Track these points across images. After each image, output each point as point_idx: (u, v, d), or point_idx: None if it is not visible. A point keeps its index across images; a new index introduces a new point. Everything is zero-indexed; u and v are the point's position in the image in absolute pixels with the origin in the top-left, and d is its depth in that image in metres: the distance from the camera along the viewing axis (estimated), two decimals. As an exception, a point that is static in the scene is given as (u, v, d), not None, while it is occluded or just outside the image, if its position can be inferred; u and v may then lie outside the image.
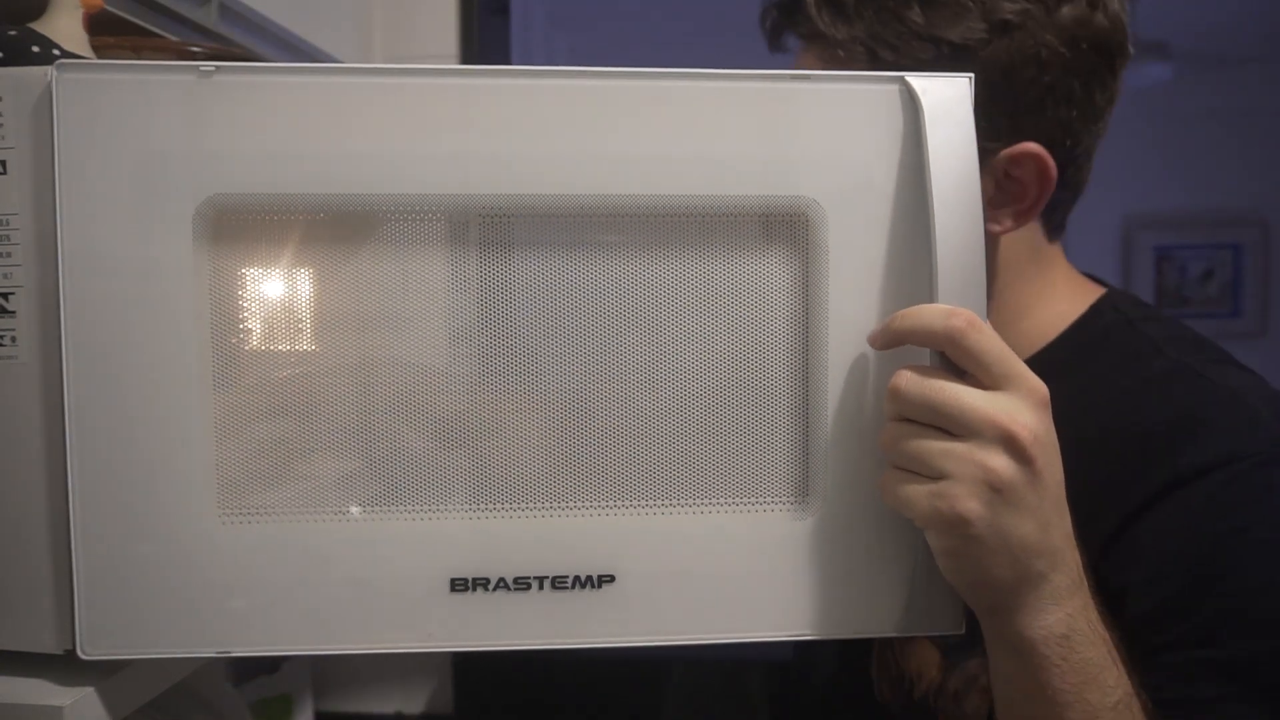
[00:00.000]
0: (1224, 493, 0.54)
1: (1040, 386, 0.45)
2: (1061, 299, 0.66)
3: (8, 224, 0.46)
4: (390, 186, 0.47)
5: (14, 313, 0.46)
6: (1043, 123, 0.58)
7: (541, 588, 0.48)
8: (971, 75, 0.48)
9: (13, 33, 0.51)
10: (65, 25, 0.52)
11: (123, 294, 0.46)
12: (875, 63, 0.58)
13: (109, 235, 0.45)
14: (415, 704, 1.21)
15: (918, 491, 0.45)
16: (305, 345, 0.50)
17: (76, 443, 0.46)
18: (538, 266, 0.49)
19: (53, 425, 0.46)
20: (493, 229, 0.48)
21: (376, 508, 0.48)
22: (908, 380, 0.45)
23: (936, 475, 0.45)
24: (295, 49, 0.92)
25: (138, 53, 0.61)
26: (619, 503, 0.49)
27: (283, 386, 0.49)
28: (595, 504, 0.49)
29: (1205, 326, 0.69)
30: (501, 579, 0.48)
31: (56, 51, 0.51)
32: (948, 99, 0.48)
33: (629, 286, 0.49)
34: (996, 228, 0.59)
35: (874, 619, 0.50)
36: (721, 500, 0.50)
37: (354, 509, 0.48)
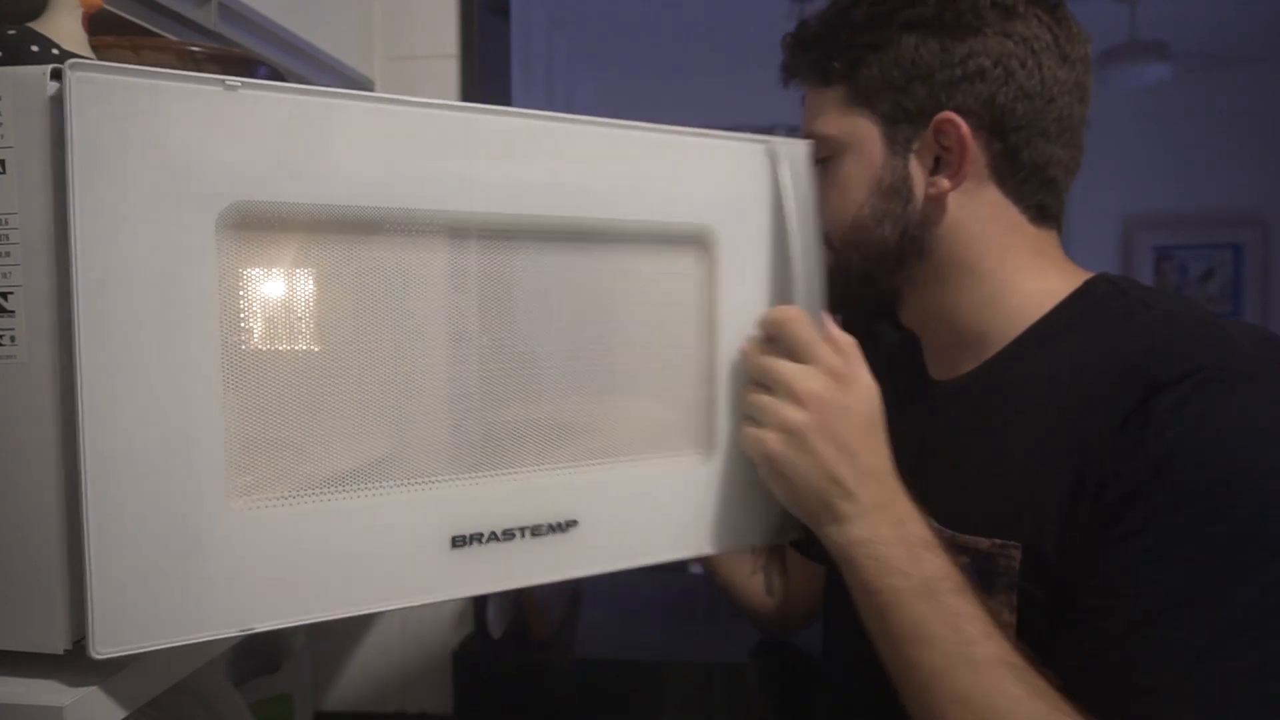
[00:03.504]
0: (1193, 395, 0.57)
1: (837, 365, 0.62)
2: (1053, 279, 0.70)
3: (7, 224, 0.46)
4: (390, 201, 0.53)
5: (14, 312, 0.46)
6: (961, 99, 0.69)
7: (524, 536, 0.58)
8: (812, 141, 0.69)
9: (12, 32, 0.51)
10: (65, 25, 0.52)
11: (140, 294, 0.46)
12: (825, 74, 0.73)
13: (126, 236, 0.45)
14: (415, 704, 1.21)
15: (748, 435, 0.64)
16: (314, 341, 0.53)
17: (90, 447, 0.45)
18: (521, 272, 0.59)
19: (53, 425, 0.46)
20: (488, 242, 0.57)
21: (383, 481, 0.54)
22: (749, 351, 0.65)
23: (761, 424, 0.63)
24: (295, 49, 0.92)
25: (137, 53, 0.61)
26: (578, 460, 0.61)
27: (296, 377, 0.51)
28: (560, 463, 0.60)
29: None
30: (493, 532, 0.57)
31: (56, 51, 0.51)
32: (798, 158, 0.68)
33: (589, 284, 0.61)
34: (933, 190, 0.70)
35: (752, 533, 0.68)
36: (653, 452, 0.64)
37: (362, 484, 0.53)
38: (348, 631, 1.22)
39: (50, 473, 0.46)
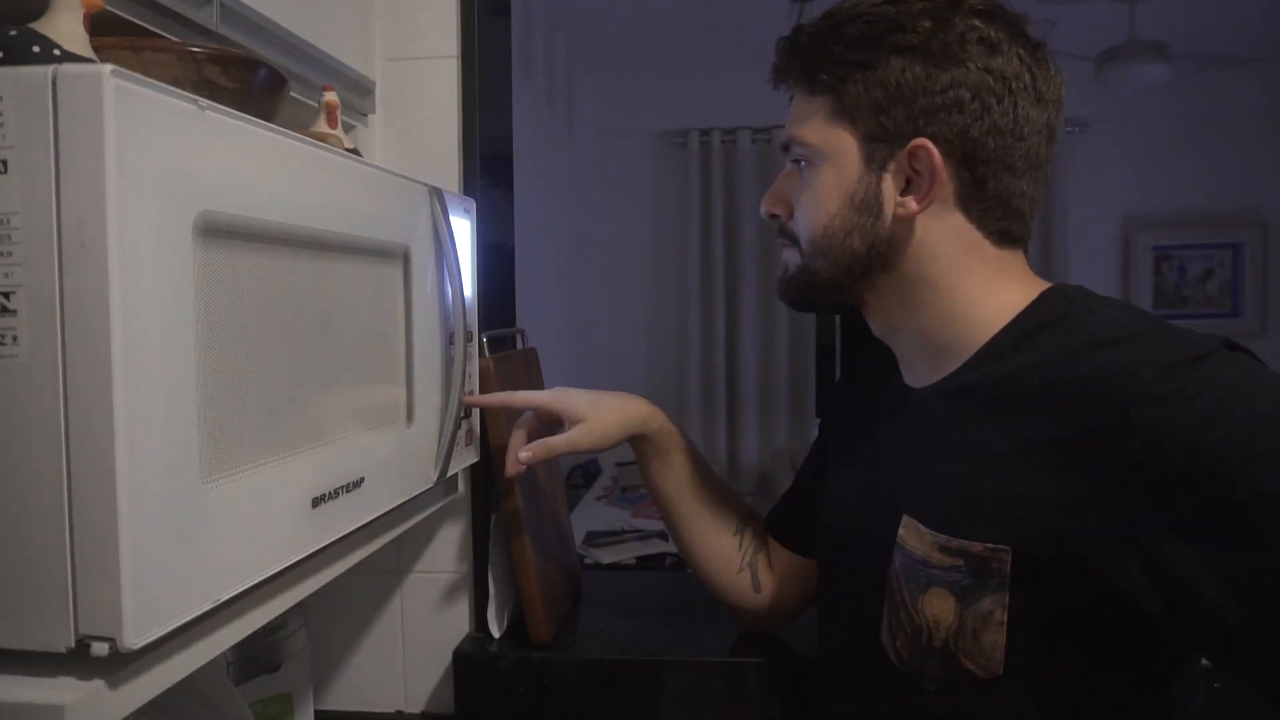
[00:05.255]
0: (1174, 396, 0.59)
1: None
2: (1013, 293, 0.74)
3: (8, 223, 0.46)
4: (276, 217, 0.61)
5: (15, 312, 0.46)
6: (937, 126, 0.71)
7: (348, 491, 0.72)
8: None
9: (13, 33, 0.51)
10: (66, 25, 0.52)
11: (134, 297, 0.47)
12: (813, 84, 0.76)
13: (111, 236, 0.45)
14: (415, 704, 1.21)
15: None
16: (251, 339, 0.59)
17: (122, 442, 0.46)
18: (335, 278, 0.70)
19: (55, 424, 0.46)
20: (315, 251, 0.68)
21: (285, 454, 0.63)
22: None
23: None
24: (296, 50, 0.92)
25: (138, 53, 0.61)
26: (361, 430, 0.75)
27: (235, 369, 0.57)
28: (352, 433, 0.73)
29: (1204, 326, 0.71)
30: (333, 491, 0.69)
31: (57, 52, 0.51)
32: (446, 196, 0.89)
33: (341, 285, 0.73)
34: (901, 210, 0.73)
35: (424, 476, 0.87)
36: (383, 424, 0.79)
37: (261, 460, 0.61)
38: (348, 631, 1.22)
39: (52, 472, 0.46)
